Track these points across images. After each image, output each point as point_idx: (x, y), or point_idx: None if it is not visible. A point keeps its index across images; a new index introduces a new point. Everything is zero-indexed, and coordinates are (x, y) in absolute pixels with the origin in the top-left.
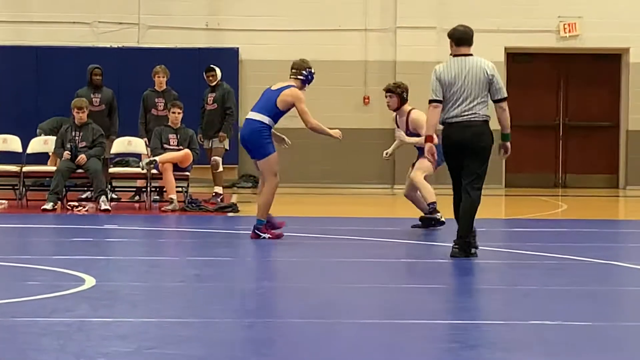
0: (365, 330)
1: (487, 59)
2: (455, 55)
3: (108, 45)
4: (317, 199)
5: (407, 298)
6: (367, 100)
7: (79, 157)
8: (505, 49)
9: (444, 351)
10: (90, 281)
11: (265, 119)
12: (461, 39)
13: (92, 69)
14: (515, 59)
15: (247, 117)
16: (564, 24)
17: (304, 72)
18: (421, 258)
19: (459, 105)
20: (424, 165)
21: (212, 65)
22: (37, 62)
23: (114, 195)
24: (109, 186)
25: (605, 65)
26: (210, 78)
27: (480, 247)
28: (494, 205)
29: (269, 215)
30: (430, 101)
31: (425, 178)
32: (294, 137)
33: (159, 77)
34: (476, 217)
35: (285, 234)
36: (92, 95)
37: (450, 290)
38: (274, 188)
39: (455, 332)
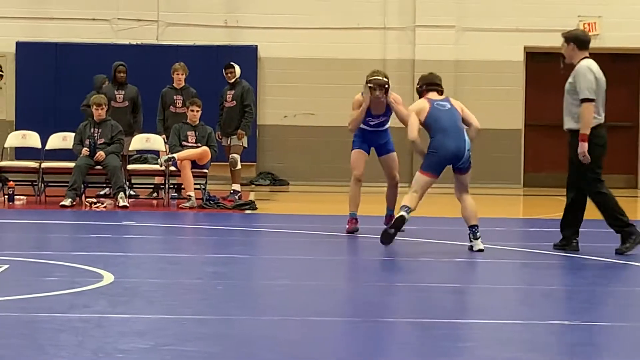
0: (383, 328)
1: (505, 58)
2: (583, 58)
3: (127, 42)
4: (335, 196)
5: (424, 297)
6: None
7: (97, 154)
8: (525, 48)
9: (461, 350)
10: (108, 277)
11: None
12: (587, 42)
13: (116, 65)
14: (534, 59)
15: None
16: (584, 24)
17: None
18: (436, 257)
19: (603, 106)
20: (419, 182)
21: (231, 63)
22: (56, 58)
23: (132, 192)
24: (127, 183)
25: (625, 65)
26: (229, 75)
27: (498, 247)
28: (512, 205)
29: (388, 210)
30: (589, 100)
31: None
32: (313, 135)
33: (177, 74)
34: (494, 216)
35: (304, 232)
36: (115, 92)
37: (468, 290)
38: (352, 181)
39: (473, 331)
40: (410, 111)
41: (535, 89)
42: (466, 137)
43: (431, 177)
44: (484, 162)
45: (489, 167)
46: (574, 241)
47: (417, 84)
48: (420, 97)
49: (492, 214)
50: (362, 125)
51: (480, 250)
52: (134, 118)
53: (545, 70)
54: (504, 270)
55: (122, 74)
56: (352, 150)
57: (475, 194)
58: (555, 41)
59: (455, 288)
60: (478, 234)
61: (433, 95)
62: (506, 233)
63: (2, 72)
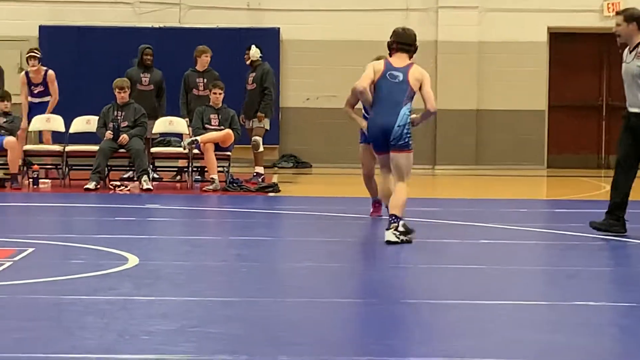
0: (406, 310)
1: (529, 39)
2: None
3: (149, 26)
4: (359, 179)
5: (447, 278)
6: None
7: (120, 137)
8: (548, 28)
9: (485, 331)
10: (133, 260)
11: None
12: None
13: (143, 49)
14: (558, 39)
15: None
16: (608, 4)
17: None
18: (459, 238)
19: None
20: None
21: (252, 45)
22: (79, 42)
23: (155, 175)
24: (151, 166)
25: None
26: (244, 57)
27: (523, 228)
28: (536, 186)
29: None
30: None
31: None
32: (335, 117)
33: (205, 56)
34: (518, 197)
35: (327, 214)
36: (141, 75)
37: (492, 271)
38: (363, 177)
39: (497, 313)
40: (369, 65)
41: (559, 69)
42: (401, 112)
43: (376, 155)
44: (508, 143)
45: (512, 148)
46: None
47: (390, 38)
48: (389, 53)
49: (515, 195)
50: (364, 114)
51: (389, 242)
52: (158, 102)
53: (569, 50)
54: (528, 252)
55: (149, 57)
56: (359, 143)
57: (499, 175)
58: (579, 21)
59: (479, 269)
60: (393, 224)
61: (400, 57)
62: (530, 214)
63: (36, 53)
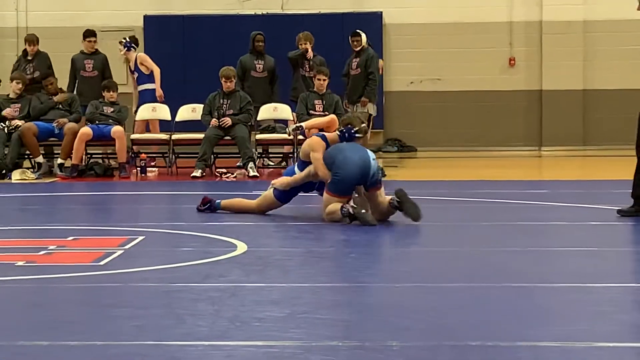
0: (515, 293)
1: (636, 16)
2: None
3: (252, 13)
4: (464, 162)
5: (558, 261)
6: (512, 62)
7: (223, 118)
8: None
9: (599, 314)
10: (241, 247)
11: None
12: None
13: (254, 35)
14: None
15: None
16: None
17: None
18: (569, 220)
19: None
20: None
21: (357, 30)
22: (184, 30)
23: (271, 163)
24: (257, 153)
25: None
26: (355, 43)
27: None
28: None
29: None
30: None
31: None
32: (440, 100)
33: (301, 44)
34: (626, 178)
35: (434, 198)
36: (255, 62)
37: (604, 253)
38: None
39: (611, 295)
40: None
41: None
42: None
43: None
44: (616, 123)
45: (620, 128)
46: None
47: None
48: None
49: (625, 176)
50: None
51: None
52: (271, 88)
53: None
54: (634, 233)
55: (260, 44)
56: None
57: (607, 156)
58: None
59: (591, 252)
60: None
61: None
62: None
63: (123, 40)
